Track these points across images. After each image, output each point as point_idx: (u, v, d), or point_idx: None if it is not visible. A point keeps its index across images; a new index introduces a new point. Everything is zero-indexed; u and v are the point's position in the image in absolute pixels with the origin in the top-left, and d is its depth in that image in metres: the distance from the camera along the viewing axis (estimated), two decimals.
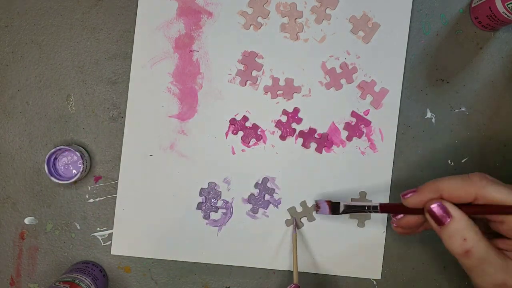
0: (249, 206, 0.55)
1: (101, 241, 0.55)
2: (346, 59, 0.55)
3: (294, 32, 0.54)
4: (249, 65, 0.54)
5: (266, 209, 0.55)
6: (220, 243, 0.55)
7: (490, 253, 0.38)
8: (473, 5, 0.55)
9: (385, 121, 0.55)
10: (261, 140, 0.55)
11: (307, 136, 0.55)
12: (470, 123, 0.56)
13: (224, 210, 0.54)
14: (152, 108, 0.54)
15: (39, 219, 0.55)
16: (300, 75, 0.55)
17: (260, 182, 0.55)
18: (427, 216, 0.40)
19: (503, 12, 0.50)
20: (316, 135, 0.55)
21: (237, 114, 0.55)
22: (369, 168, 0.55)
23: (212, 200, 0.54)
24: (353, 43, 0.55)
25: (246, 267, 0.55)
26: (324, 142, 0.55)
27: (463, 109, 0.56)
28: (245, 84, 0.55)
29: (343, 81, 0.55)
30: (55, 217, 0.55)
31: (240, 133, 0.54)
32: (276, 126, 0.55)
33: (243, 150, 0.55)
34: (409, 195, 0.42)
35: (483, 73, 0.56)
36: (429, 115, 0.56)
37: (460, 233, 0.38)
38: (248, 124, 0.54)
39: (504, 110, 0.56)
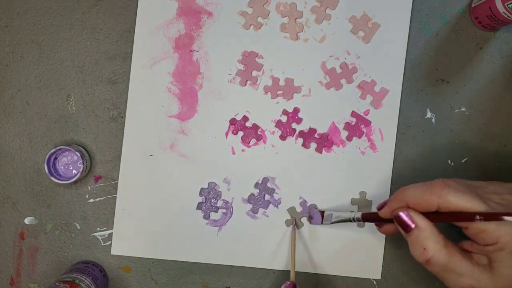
0: (249, 206, 0.55)
1: (101, 241, 0.55)
2: (346, 59, 0.55)
3: (294, 32, 0.54)
4: (249, 65, 0.54)
5: (266, 209, 0.55)
6: (220, 243, 0.55)
7: (452, 260, 0.40)
8: (473, 5, 0.55)
9: (385, 121, 0.55)
10: (261, 140, 0.55)
11: (307, 136, 0.55)
12: (470, 123, 0.56)
13: (224, 210, 0.54)
14: (152, 108, 0.54)
15: (39, 219, 0.55)
16: (300, 75, 0.55)
17: (260, 182, 0.55)
18: (395, 223, 0.42)
19: (503, 12, 0.50)
20: (316, 135, 0.55)
21: (237, 114, 0.55)
22: (369, 168, 0.55)
23: (212, 200, 0.54)
24: (353, 43, 0.55)
25: (246, 267, 0.55)
26: (324, 142, 0.55)
27: (463, 109, 0.56)
28: (245, 84, 0.55)
29: (343, 81, 0.55)
30: (55, 217, 0.55)
31: (240, 133, 0.54)
32: (276, 126, 0.55)
33: (243, 150, 0.55)
34: (379, 207, 0.45)
35: (483, 73, 0.56)
36: (429, 115, 0.56)
37: (420, 243, 0.40)
38: (248, 124, 0.54)
39: (504, 110, 0.56)
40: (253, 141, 0.55)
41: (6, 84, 0.55)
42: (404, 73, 0.55)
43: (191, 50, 0.54)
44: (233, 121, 0.54)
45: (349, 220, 0.50)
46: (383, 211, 0.44)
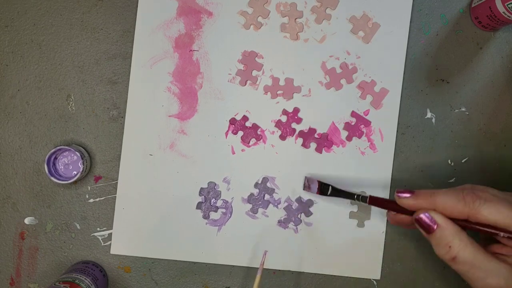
0: (249, 206, 0.55)
1: (101, 241, 0.55)
2: (346, 59, 0.55)
3: (294, 32, 0.54)
4: (249, 64, 0.54)
5: (265, 209, 0.55)
6: (219, 243, 0.55)
7: (478, 258, 0.39)
8: (473, 5, 0.55)
9: (385, 121, 0.55)
10: (261, 140, 0.55)
11: (307, 136, 0.55)
12: (470, 123, 0.56)
13: (224, 210, 0.54)
14: (152, 108, 0.54)
15: (39, 219, 0.55)
16: (300, 75, 0.55)
17: (260, 182, 0.55)
18: (415, 223, 0.42)
19: (503, 12, 0.50)
20: (316, 135, 0.55)
21: (237, 114, 0.55)
22: (369, 168, 0.55)
23: (212, 200, 0.54)
24: (353, 43, 0.55)
25: (246, 267, 0.55)
26: (324, 142, 0.55)
27: (463, 109, 0.56)
28: (245, 84, 0.55)
29: (343, 81, 0.55)
30: (55, 217, 0.55)
31: (240, 133, 0.54)
32: (276, 126, 0.55)
33: (243, 150, 0.55)
34: (404, 195, 0.43)
35: (483, 73, 0.56)
36: (429, 115, 0.56)
37: (445, 241, 0.40)
38: (248, 124, 0.54)
39: (504, 110, 0.56)
40: (253, 141, 0.55)
41: (6, 84, 0.55)
42: (404, 73, 0.55)
43: (191, 50, 0.54)
44: (233, 121, 0.54)
45: (351, 197, 0.49)
46: (405, 201, 0.43)
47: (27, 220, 0.55)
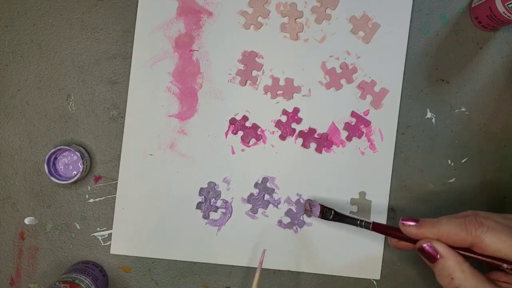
0: (249, 206, 0.55)
1: (101, 241, 0.55)
2: (346, 59, 0.55)
3: (294, 32, 0.54)
4: (249, 64, 0.54)
5: (265, 209, 0.55)
6: (219, 243, 0.55)
7: (480, 287, 0.40)
8: (473, 5, 0.55)
9: (385, 121, 0.55)
10: (261, 140, 0.55)
11: (307, 136, 0.55)
12: (470, 123, 0.56)
13: (224, 210, 0.54)
14: (152, 108, 0.54)
15: (39, 219, 0.55)
16: (300, 75, 0.55)
17: (259, 182, 0.55)
18: (418, 252, 0.42)
19: (503, 12, 0.50)
20: (316, 135, 0.55)
21: (237, 113, 0.55)
22: (369, 168, 0.55)
23: (212, 200, 0.54)
24: (353, 43, 0.55)
25: (246, 267, 0.55)
26: (324, 142, 0.55)
27: (463, 109, 0.56)
28: (245, 84, 0.55)
29: (343, 81, 0.55)
30: (55, 217, 0.55)
31: (240, 133, 0.54)
32: (276, 126, 0.55)
33: (242, 150, 0.55)
34: (408, 223, 0.43)
35: (483, 73, 0.56)
36: (429, 115, 0.56)
37: (447, 271, 0.40)
38: (248, 124, 0.54)
39: (504, 110, 0.56)
40: (252, 141, 0.55)
41: (6, 84, 0.55)
42: (404, 73, 0.55)
43: (191, 50, 0.54)
44: (233, 121, 0.54)
45: (353, 223, 0.49)
46: (409, 230, 0.43)
47: (27, 220, 0.55)
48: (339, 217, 0.50)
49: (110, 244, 0.55)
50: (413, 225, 0.43)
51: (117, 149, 0.54)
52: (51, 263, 0.55)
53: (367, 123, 0.55)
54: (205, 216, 0.54)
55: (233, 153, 0.55)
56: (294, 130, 0.55)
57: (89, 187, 0.55)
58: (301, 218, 0.55)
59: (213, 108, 0.54)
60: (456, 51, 0.56)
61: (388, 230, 0.46)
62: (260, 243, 0.55)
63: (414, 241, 0.43)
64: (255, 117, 0.55)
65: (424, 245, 0.42)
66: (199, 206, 0.54)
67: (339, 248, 0.55)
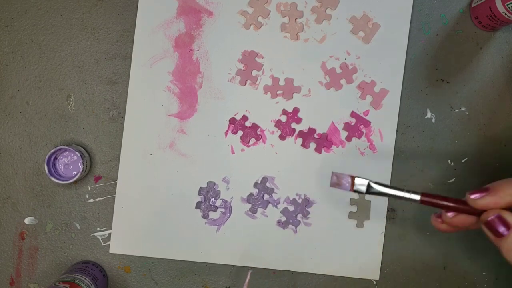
0: (248, 205, 0.55)
1: (101, 241, 0.55)
2: (346, 59, 0.55)
3: (294, 32, 0.54)
4: (249, 64, 0.54)
5: (265, 208, 0.55)
6: (218, 243, 0.55)
7: None
8: (473, 5, 0.55)
9: (385, 122, 0.55)
10: (261, 140, 0.55)
11: (307, 136, 0.55)
12: (470, 123, 0.56)
13: (223, 210, 0.54)
14: (152, 107, 0.54)
15: (39, 219, 0.55)
16: (300, 75, 0.55)
17: (259, 181, 0.55)
18: (483, 227, 0.36)
19: (503, 12, 0.50)
20: (315, 135, 0.55)
21: (237, 113, 0.55)
22: (369, 169, 0.55)
23: (211, 200, 0.54)
24: (353, 44, 0.55)
25: (246, 267, 0.55)
26: (324, 142, 0.55)
27: (463, 109, 0.56)
28: (245, 84, 0.55)
29: (343, 81, 0.55)
30: (55, 217, 0.55)
31: (240, 133, 0.54)
32: (275, 125, 0.55)
33: (242, 150, 0.55)
34: (478, 195, 0.36)
35: (483, 73, 0.56)
36: (429, 115, 0.56)
37: None
38: (247, 123, 0.54)
39: (504, 110, 0.56)
40: (252, 140, 0.55)
41: (6, 84, 0.55)
42: (404, 73, 0.55)
43: (191, 49, 0.54)
44: (232, 121, 0.54)
45: (396, 196, 0.39)
46: (483, 201, 0.36)
47: (27, 220, 0.55)
48: (376, 189, 0.40)
49: (110, 243, 0.55)
50: (485, 195, 0.36)
51: (117, 149, 0.54)
52: (51, 263, 0.55)
53: (367, 124, 0.55)
54: (205, 216, 0.54)
55: (233, 152, 0.54)
56: (294, 130, 0.55)
57: (89, 187, 0.55)
58: (297, 217, 0.55)
59: (213, 107, 0.54)
60: (456, 51, 0.56)
61: (443, 201, 0.38)
62: (260, 243, 0.55)
63: (478, 213, 0.37)
64: (255, 117, 0.55)
65: (493, 217, 0.35)
66: (198, 205, 0.54)
67: (339, 248, 0.55)
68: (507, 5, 0.49)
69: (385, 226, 0.55)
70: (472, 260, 0.56)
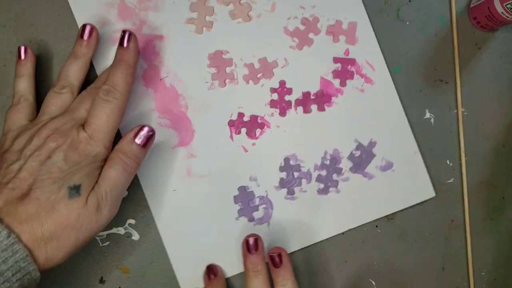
0: (284, 190, 0.55)
1: (99, 241, 0.54)
2: (303, 14, 0.54)
3: (244, 14, 0.54)
4: (219, 65, 0.54)
5: (300, 185, 0.55)
6: (275, 235, 0.55)
7: None
8: (471, 6, 0.55)
9: (368, 52, 0.54)
10: (265, 127, 0.54)
11: (305, 102, 0.54)
12: (469, 123, 0.56)
13: (264, 205, 0.55)
14: (155, 148, 0.54)
15: None
16: (270, 50, 0.54)
17: (283, 164, 0.55)
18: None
19: (502, 13, 0.50)
20: (312, 97, 0.55)
21: (232, 114, 0.54)
22: (375, 102, 0.55)
23: (249, 202, 0.54)
24: None
25: (307, 247, 0.55)
26: (322, 99, 0.54)
27: (462, 110, 0.56)
28: (225, 84, 0.54)
29: (311, 35, 0.54)
30: None
31: (244, 130, 0.54)
32: (271, 107, 0.54)
33: (253, 144, 0.54)
34: None
35: (482, 74, 0.56)
36: (428, 115, 0.56)
37: None
38: (245, 118, 0.54)
39: (503, 111, 0.56)
40: (258, 131, 0.54)
41: (4, 84, 0.54)
42: (402, 72, 0.55)
43: (161, 79, 0.54)
44: (231, 123, 0.54)
45: None
46: None
47: None
48: None
49: (108, 244, 0.54)
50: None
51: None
52: None
53: (353, 62, 0.54)
54: (251, 219, 0.55)
55: (246, 150, 0.54)
56: (289, 102, 0.54)
57: None
58: (333, 177, 0.55)
59: (207, 120, 0.54)
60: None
61: None
62: (310, 218, 0.55)
63: None
64: (249, 109, 0.54)
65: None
66: (241, 213, 0.54)
67: (384, 186, 0.55)
68: (505, 5, 0.49)
69: (384, 227, 0.56)
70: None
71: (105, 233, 0.54)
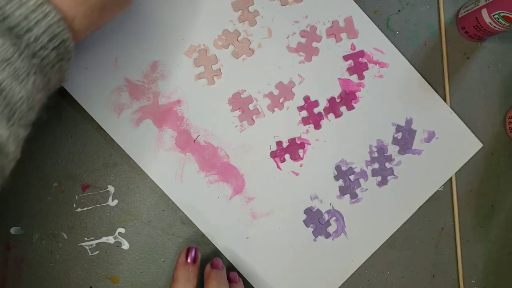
0: (347, 196, 0.55)
1: (88, 251, 0.54)
2: (299, 27, 0.54)
3: (246, 49, 0.54)
4: (242, 105, 0.54)
5: (359, 187, 0.55)
6: (356, 244, 0.56)
7: None
8: (460, 16, 0.56)
9: (371, 39, 0.55)
10: (306, 146, 0.55)
11: (333, 107, 0.55)
12: None
13: (335, 218, 0.55)
14: (215, 207, 0.54)
15: (25, 229, 0.53)
16: (282, 72, 0.55)
17: (336, 173, 0.55)
18: None
19: (489, 23, 0.50)
20: (337, 100, 0.55)
21: (270, 146, 0.55)
22: (397, 81, 0.56)
23: (319, 220, 0.55)
24: (292, 11, 0.54)
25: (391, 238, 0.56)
26: (348, 98, 0.55)
27: None
28: (253, 121, 0.54)
29: (314, 44, 0.55)
30: (42, 226, 0.53)
31: (287, 156, 0.55)
32: (304, 124, 0.55)
33: (301, 165, 0.55)
34: None
35: (470, 83, 0.57)
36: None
37: None
38: (285, 145, 0.55)
39: (491, 120, 0.57)
40: (301, 152, 0.55)
41: None
42: None
43: (194, 140, 0.54)
44: (273, 154, 0.54)
45: None
46: None
47: (12, 230, 0.53)
48: None
49: (97, 253, 0.53)
50: None
51: (105, 158, 0.53)
52: (36, 273, 0.53)
53: (362, 53, 0.55)
54: (327, 236, 0.55)
55: (297, 174, 0.55)
56: (320, 113, 0.55)
57: (76, 196, 0.53)
58: (386, 166, 0.55)
59: (251, 161, 0.54)
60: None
61: None
62: (381, 213, 0.56)
63: None
64: (284, 135, 0.55)
65: None
66: (316, 233, 0.55)
67: (430, 162, 0.56)
68: (493, 15, 0.49)
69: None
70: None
71: (95, 242, 0.53)
